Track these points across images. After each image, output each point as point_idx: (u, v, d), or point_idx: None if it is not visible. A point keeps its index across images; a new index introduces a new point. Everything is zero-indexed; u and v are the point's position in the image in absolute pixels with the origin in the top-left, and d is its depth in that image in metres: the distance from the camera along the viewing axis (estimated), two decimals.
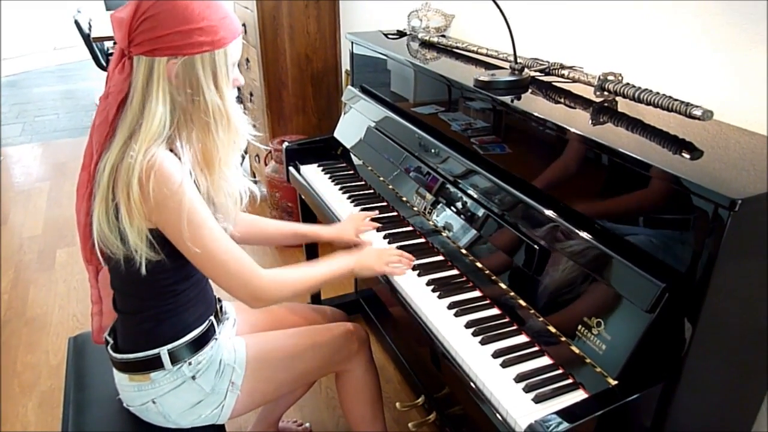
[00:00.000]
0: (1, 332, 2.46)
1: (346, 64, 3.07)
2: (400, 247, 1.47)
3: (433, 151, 1.58)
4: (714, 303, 0.94)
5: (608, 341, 0.99)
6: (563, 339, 1.08)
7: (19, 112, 5.56)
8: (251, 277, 1.16)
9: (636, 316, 0.97)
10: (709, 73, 1.24)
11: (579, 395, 1.00)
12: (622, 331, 0.98)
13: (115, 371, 1.26)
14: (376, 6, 2.64)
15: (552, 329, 1.11)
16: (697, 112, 1.08)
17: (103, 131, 1.08)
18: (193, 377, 1.22)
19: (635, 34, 1.39)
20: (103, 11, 5.92)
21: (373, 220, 1.60)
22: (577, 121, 1.20)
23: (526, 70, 1.47)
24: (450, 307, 1.25)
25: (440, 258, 1.43)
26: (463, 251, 1.38)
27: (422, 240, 1.52)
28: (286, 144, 2.07)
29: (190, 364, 1.22)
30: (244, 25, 3.05)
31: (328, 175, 1.93)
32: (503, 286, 1.25)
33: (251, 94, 3.27)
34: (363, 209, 1.68)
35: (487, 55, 1.69)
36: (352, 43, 2.13)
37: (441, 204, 1.48)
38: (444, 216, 1.46)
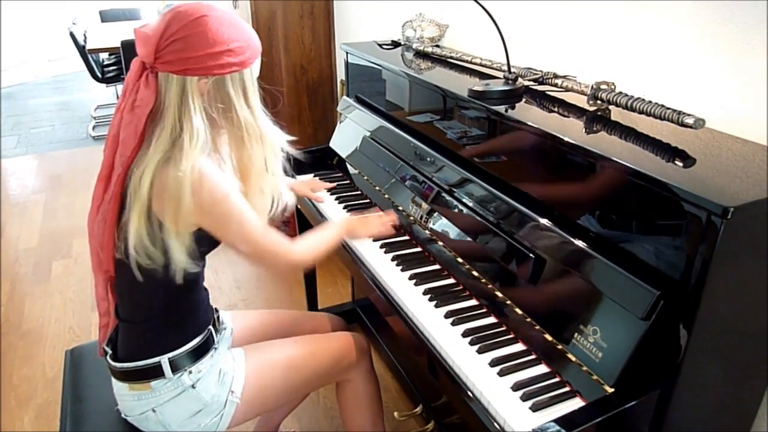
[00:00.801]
0: None
1: (341, 74, 3.08)
2: (396, 257, 1.47)
3: (428, 160, 1.59)
4: (709, 309, 0.95)
5: (604, 349, 1.00)
6: (560, 347, 1.08)
7: (14, 124, 5.56)
8: (291, 255, 1.30)
9: (631, 324, 0.97)
10: (701, 81, 1.25)
11: (576, 403, 1.01)
12: (618, 339, 0.99)
13: (114, 381, 1.26)
14: (371, 16, 2.66)
15: (548, 337, 1.11)
16: (690, 121, 1.09)
17: (131, 144, 1.10)
18: (193, 386, 1.23)
19: (628, 43, 1.40)
20: (98, 23, 5.94)
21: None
22: (571, 130, 1.21)
23: (519, 79, 1.48)
24: (447, 316, 1.25)
25: (436, 267, 1.44)
26: (459, 260, 1.39)
27: (418, 249, 1.52)
28: (290, 149, 2.07)
29: (190, 372, 1.22)
30: None
31: (317, 179, 1.93)
32: (499, 294, 1.25)
33: None
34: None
35: (481, 65, 1.70)
36: (347, 53, 2.14)
37: (437, 212, 1.49)
38: (440, 224, 1.47)
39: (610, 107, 1.30)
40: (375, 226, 1.56)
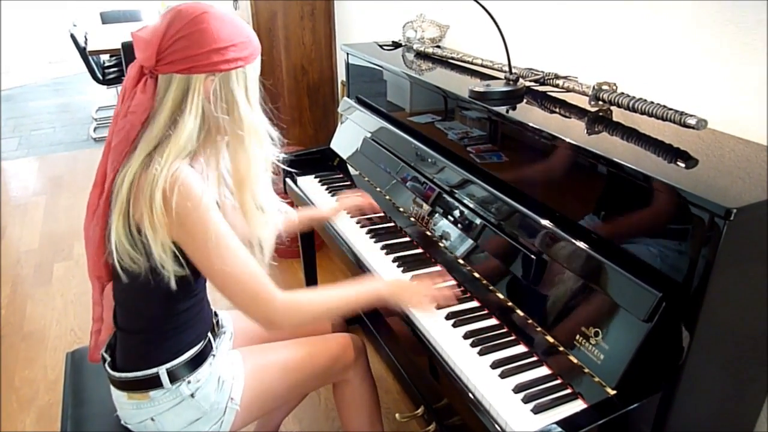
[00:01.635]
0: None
1: (341, 75, 3.08)
2: (397, 258, 1.47)
3: (429, 161, 1.59)
4: (711, 311, 0.95)
5: (606, 351, 0.99)
6: (561, 349, 1.08)
7: (15, 126, 5.56)
8: (267, 299, 1.12)
9: (634, 326, 0.97)
10: (703, 82, 1.25)
11: (578, 405, 1.00)
12: (620, 341, 0.98)
13: (112, 388, 1.25)
14: (372, 17, 2.65)
15: (550, 339, 1.11)
16: (692, 121, 1.09)
17: (122, 149, 1.08)
18: (192, 395, 1.22)
19: (630, 44, 1.40)
20: (98, 24, 5.94)
21: (370, 231, 1.62)
22: (572, 131, 1.20)
23: (520, 80, 1.48)
24: (448, 317, 1.25)
25: (438, 268, 1.43)
26: (461, 261, 1.38)
27: (420, 250, 1.52)
28: (282, 155, 2.07)
29: (189, 382, 1.21)
30: None
31: (325, 186, 1.93)
32: (501, 296, 1.25)
33: None
34: (359, 219, 1.68)
35: (482, 66, 1.70)
36: (348, 54, 2.14)
37: (438, 214, 1.49)
38: (441, 226, 1.47)
39: (612, 108, 1.30)
40: (424, 297, 1.28)
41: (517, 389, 1.04)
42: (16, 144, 5.06)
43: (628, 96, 1.21)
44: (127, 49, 4.24)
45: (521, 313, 1.19)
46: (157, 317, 1.19)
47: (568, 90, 1.41)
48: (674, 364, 0.97)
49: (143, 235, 1.05)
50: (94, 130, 5.29)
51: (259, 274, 1.12)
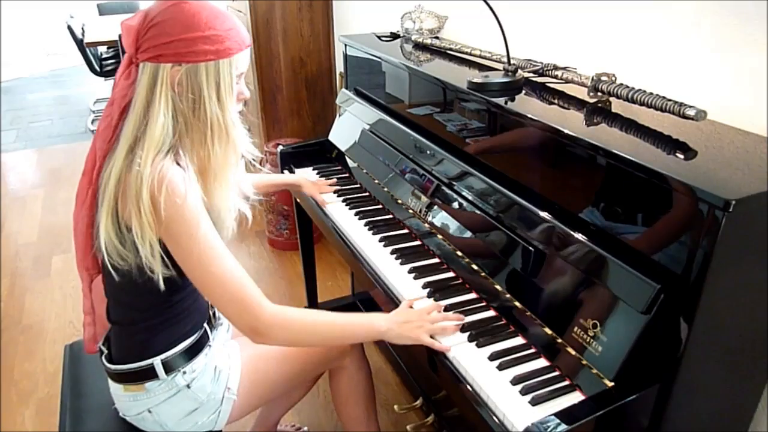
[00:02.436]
0: None
1: (340, 66, 3.07)
2: (395, 250, 1.47)
3: (427, 152, 1.58)
4: (710, 303, 0.94)
5: (604, 343, 0.99)
6: (559, 341, 1.08)
7: (13, 118, 5.55)
8: (253, 307, 1.08)
9: (632, 318, 0.97)
10: (702, 72, 1.24)
11: (576, 397, 1.00)
12: (618, 333, 0.98)
13: (110, 381, 1.25)
14: (369, 8, 2.64)
15: (548, 331, 1.11)
16: (691, 112, 1.08)
17: (106, 137, 1.08)
18: (188, 386, 1.22)
19: (628, 34, 1.39)
20: (96, 16, 5.91)
21: (369, 223, 1.61)
22: (571, 122, 1.20)
23: (519, 71, 1.47)
24: (446, 309, 1.24)
25: (436, 260, 1.43)
26: (459, 253, 1.38)
27: (418, 242, 1.51)
28: (280, 147, 2.06)
29: (184, 373, 1.21)
30: None
31: (324, 178, 1.93)
32: (499, 287, 1.25)
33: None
34: (358, 212, 1.67)
35: (480, 57, 1.69)
36: (346, 45, 2.13)
37: (436, 206, 1.48)
38: (439, 218, 1.46)
39: (611, 99, 1.29)
40: (422, 331, 1.17)
41: (515, 381, 1.04)
42: (15, 136, 5.05)
43: (627, 87, 1.21)
44: None
45: (519, 305, 1.19)
46: (149, 310, 1.18)
47: (566, 81, 1.40)
48: (673, 357, 0.97)
49: (133, 233, 1.05)
50: (92, 122, 5.28)
51: (247, 282, 1.09)
